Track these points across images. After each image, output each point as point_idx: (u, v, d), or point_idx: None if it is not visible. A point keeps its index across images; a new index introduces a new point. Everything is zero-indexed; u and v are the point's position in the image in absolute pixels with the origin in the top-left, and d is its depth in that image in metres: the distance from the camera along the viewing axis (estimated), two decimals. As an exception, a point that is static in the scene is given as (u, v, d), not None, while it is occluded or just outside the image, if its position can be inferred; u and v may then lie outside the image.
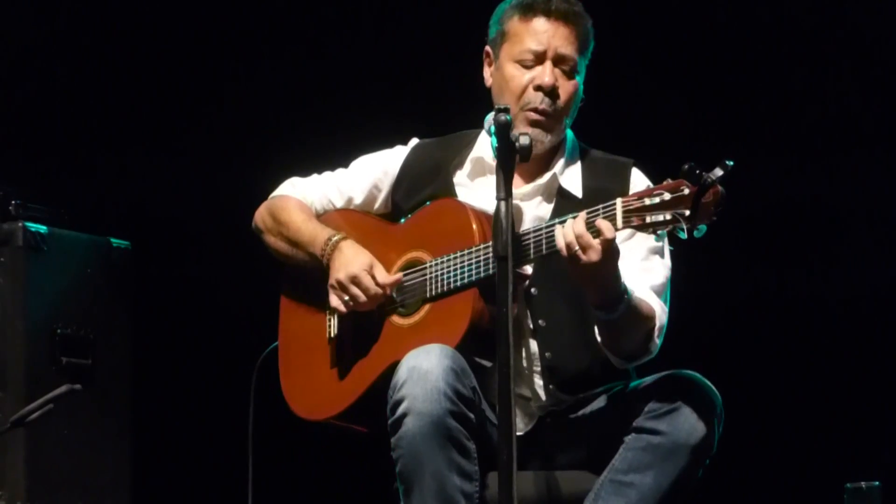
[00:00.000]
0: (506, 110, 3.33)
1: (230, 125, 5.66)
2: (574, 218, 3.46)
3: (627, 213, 3.41)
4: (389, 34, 5.57)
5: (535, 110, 3.74)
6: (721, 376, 3.64)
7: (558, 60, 3.75)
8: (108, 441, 5.01)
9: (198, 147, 5.68)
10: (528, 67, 3.75)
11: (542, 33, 3.74)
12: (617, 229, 3.42)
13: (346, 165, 4.02)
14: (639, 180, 3.80)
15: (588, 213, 3.46)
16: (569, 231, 3.44)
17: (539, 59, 3.74)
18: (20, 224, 4.89)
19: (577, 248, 3.43)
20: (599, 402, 3.72)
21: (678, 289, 3.78)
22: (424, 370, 3.45)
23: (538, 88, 3.73)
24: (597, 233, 3.42)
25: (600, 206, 3.46)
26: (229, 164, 5.56)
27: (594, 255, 3.43)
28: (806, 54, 5.28)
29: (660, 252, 3.76)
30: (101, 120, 5.77)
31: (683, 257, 3.80)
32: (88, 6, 5.70)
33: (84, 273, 5.02)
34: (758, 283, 5.31)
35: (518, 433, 3.69)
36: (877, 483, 4.19)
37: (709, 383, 3.57)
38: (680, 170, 3.34)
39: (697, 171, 3.31)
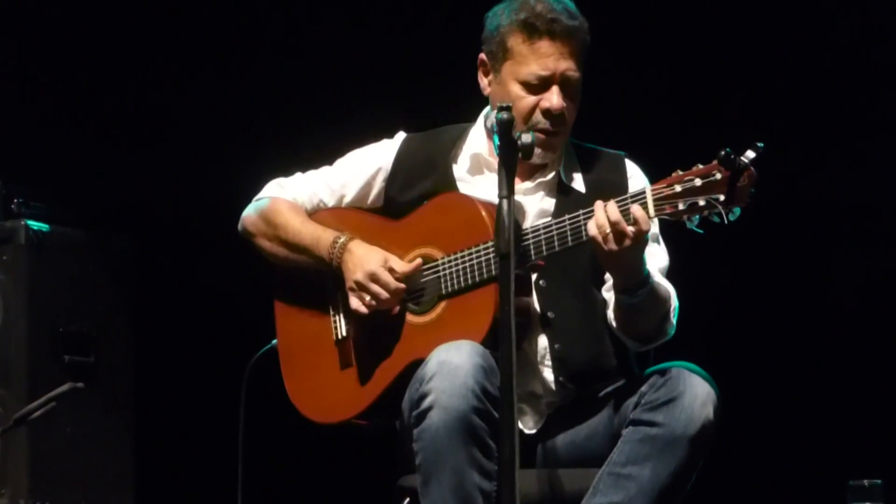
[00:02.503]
0: (508, 108, 3.32)
1: (233, 120, 5.66)
2: (605, 206, 3.48)
3: (659, 201, 3.46)
4: (375, 31, 5.56)
5: (545, 132, 3.70)
6: (723, 372, 3.63)
7: (564, 83, 3.72)
8: (112, 439, 5.01)
9: (200, 143, 5.68)
10: (533, 90, 3.71)
11: (548, 58, 3.69)
12: (650, 217, 3.46)
13: (331, 162, 3.97)
14: (634, 171, 3.83)
15: (618, 202, 3.48)
16: (603, 218, 3.47)
17: (545, 83, 3.71)
18: (22, 222, 4.90)
19: (610, 234, 3.46)
20: (605, 398, 3.72)
21: (679, 281, 3.78)
22: (455, 365, 3.44)
23: (546, 112, 3.72)
24: (632, 221, 3.45)
25: (628, 195, 3.49)
26: (232, 160, 5.53)
27: (628, 242, 3.47)
28: (802, 50, 5.28)
29: (657, 239, 3.79)
30: (103, 116, 5.77)
31: (685, 250, 3.81)
32: (92, 3, 5.70)
33: (86, 271, 5.02)
34: (760, 277, 5.31)
35: (529, 431, 3.73)
36: (879, 481, 4.19)
37: (706, 374, 3.56)
38: (716, 156, 3.39)
39: (732, 156, 3.37)
